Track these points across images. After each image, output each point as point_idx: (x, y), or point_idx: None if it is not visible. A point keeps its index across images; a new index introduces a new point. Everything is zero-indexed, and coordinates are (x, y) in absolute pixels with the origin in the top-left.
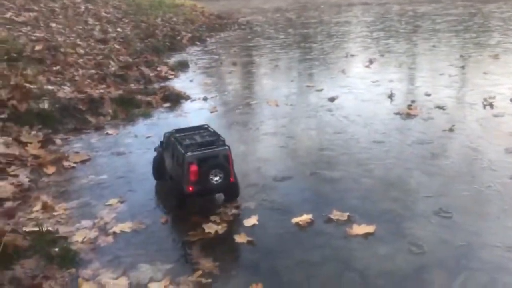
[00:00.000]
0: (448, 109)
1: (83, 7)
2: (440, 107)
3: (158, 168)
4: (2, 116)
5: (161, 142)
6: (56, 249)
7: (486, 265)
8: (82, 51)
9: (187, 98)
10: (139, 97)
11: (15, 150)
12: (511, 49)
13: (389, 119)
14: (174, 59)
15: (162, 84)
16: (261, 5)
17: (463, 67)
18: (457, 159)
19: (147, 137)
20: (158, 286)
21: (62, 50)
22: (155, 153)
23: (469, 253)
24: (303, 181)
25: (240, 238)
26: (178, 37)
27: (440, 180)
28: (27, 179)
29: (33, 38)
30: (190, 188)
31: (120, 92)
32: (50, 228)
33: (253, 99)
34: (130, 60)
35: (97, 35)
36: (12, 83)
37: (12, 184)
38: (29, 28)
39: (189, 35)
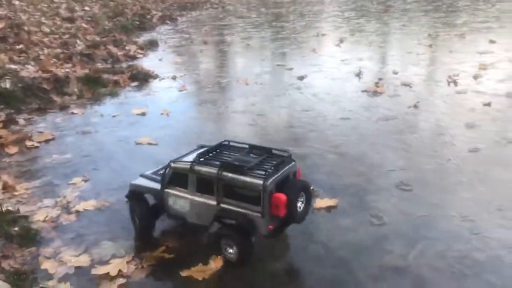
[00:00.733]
0: (414, 87)
1: None
2: (406, 85)
3: (148, 214)
4: None
5: (162, 176)
6: (16, 228)
7: (443, 234)
8: (47, 30)
9: (155, 77)
10: (106, 76)
11: None
12: (476, 29)
13: (356, 97)
14: (143, 38)
15: (130, 63)
16: None
17: (430, 46)
18: (421, 135)
19: (114, 116)
20: (121, 262)
21: (25, 28)
22: (126, 201)
23: (427, 223)
24: None
25: None
26: (148, 16)
27: (403, 155)
28: None
29: None
30: (271, 226)
31: (87, 71)
32: (10, 208)
33: (223, 78)
34: (98, 39)
35: (64, 14)
36: None
37: None
38: None
39: (160, 14)
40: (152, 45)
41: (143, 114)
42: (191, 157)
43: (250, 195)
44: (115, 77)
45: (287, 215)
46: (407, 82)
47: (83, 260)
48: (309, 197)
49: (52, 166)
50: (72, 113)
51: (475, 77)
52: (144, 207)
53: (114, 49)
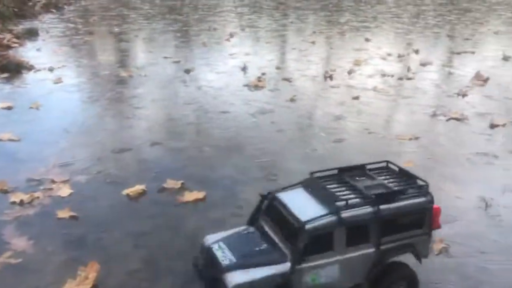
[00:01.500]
0: (293, 81)
1: None
2: (287, 79)
3: None
4: None
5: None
6: None
7: None
8: None
9: (30, 68)
10: None
11: None
12: (356, 27)
13: (238, 91)
14: (22, 26)
15: (2, 53)
16: None
17: (313, 43)
18: (293, 127)
19: None
20: None
21: None
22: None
23: None
24: (144, 152)
25: (63, 214)
26: (30, 3)
27: (276, 145)
28: None
29: None
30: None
31: None
32: None
33: (106, 70)
34: None
35: None
36: None
37: None
38: None
39: (44, 1)
40: (31, 34)
41: (9, 108)
42: (304, 206)
43: (411, 220)
44: None
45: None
46: (287, 77)
47: None
48: None
49: None
50: None
51: (349, 72)
52: None
53: None
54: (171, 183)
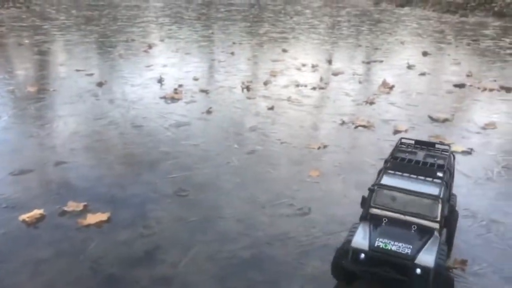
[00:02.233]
0: (211, 93)
1: None
2: (204, 91)
3: None
4: None
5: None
6: None
7: (217, 236)
8: None
9: None
10: None
11: None
12: (274, 38)
13: (154, 104)
14: None
15: None
16: None
17: (232, 54)
18: (208, 139)
19: None
20: None
21: None
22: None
23: (203, 228)
24: (47, 173)
25: None
26: None
27: (189, 160)
28: None
29: None
30: None
31: None
32: None
33: (8, 85)
34: None
35: None
36: None
37: None
38: None
39: None
40: None
41: None
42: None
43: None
44: None
45: None
46: (205, 88)
47: None
48: None
49: None
50: None
51: (265, 83)
52: None
53: None
54: (72, 205)
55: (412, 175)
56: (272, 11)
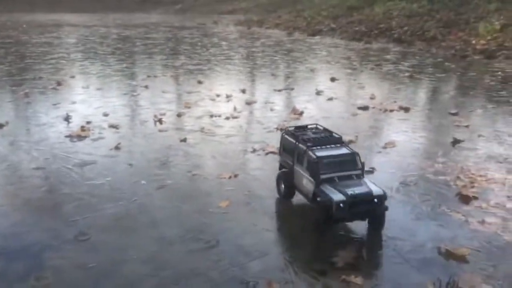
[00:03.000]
0: (121, 128)
1: None
2: (113, 126)
3: None
4: None
5: None
6: None
7: (122, 280)
8: None
9: None
10: None
11: None
12: (190, 70)
13: (58, 143)
14: None
15: None
16: None
17: (146, 87)
18: (114, 177)
19: None
20: None
21: None
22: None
23: (106, 272)
24: None
25: None
26: None
27: (93, 200)
28: None
29: None
30: None
31: None
32: None
33: None
34: None
35: None
36: None
37: None
38: None
39: None
40: None
41: None
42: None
43: None
44: None
45: None
46: (115, 123)
47: None
48: None
49: None
50: None
51: (179, 115)
52: None
53: None
54: None
55: (327, 146)
56: (189, 44)
